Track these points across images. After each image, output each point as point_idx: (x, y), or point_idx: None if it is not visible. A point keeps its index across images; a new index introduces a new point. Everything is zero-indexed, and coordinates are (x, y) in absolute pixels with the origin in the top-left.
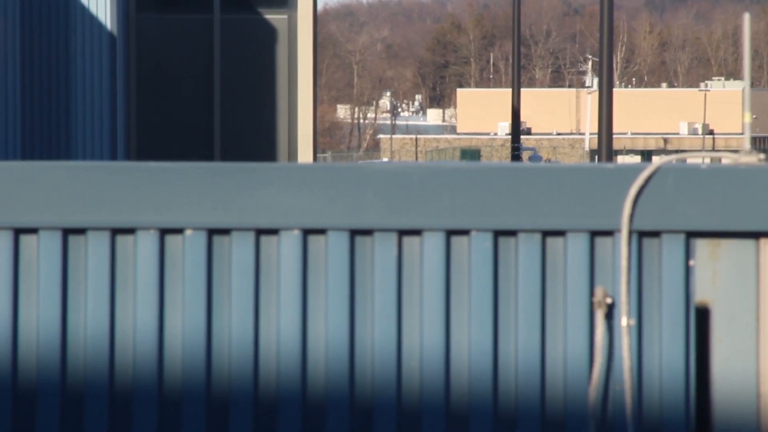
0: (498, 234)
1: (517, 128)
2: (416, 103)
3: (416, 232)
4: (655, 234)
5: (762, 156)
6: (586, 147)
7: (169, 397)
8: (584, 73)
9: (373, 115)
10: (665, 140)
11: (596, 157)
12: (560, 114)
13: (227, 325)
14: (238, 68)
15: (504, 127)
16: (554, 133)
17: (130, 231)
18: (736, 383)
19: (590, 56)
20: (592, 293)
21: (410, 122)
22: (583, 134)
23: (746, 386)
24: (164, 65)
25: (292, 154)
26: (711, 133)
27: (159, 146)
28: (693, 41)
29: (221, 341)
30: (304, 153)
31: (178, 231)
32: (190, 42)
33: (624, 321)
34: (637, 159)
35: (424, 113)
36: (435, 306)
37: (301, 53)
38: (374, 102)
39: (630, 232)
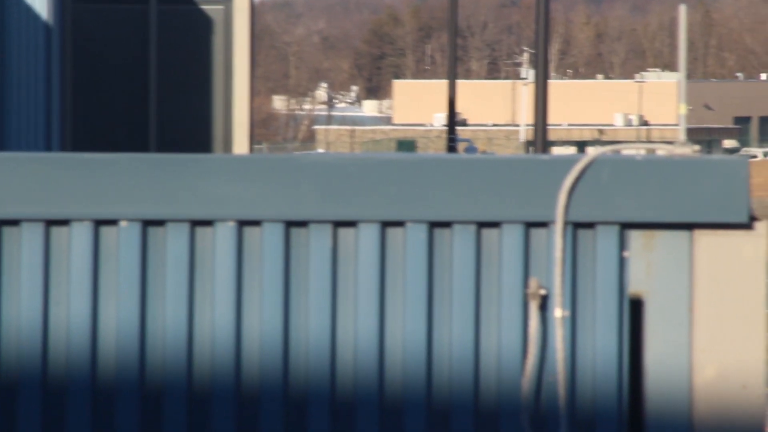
0: (433, 225)
1: (453, 119)
2: (352, 95)
3: (351, 224)
4: (590, 225)
5: (696, 147)
6: (522, 138)
7: (103, 389)
8: (520, 64)
9: (310, 107)
10: (600, 131)
11: (531, 148)
12: (496, 105)
13: (162, 316)
14: (174, 59)
15: (440, 119)
16: (490, 124)
17: (65, 222)
18: (669, 374)
19: (526, 48)
20: (526, 285)
21: (346, 113)
22: (519, 126)
23: (679, 377)
24: (100, 55)
25: (228, 145)
26: (646, 124)
27: (94, 137)
28: (629, 33)
29: (155, 333)
30: (240, 144)
31: (113, 222)
32: (126, 32)
33: (558, 312)
34: (573, 150)
35: (361, 104)
36: (370, 297)
37: (238, 44)
38: (310, 93)
39: (564, 224)
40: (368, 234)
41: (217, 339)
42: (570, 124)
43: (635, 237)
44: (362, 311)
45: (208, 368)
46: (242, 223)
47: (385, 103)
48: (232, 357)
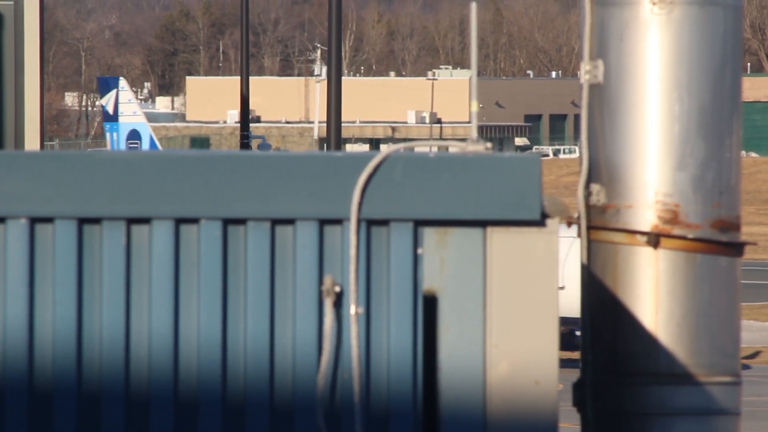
0: (227, 222)
1: (246, 116)
2: (145, 91)
3: (145, 221)
4: (384, 222)
5: (489, 145)
6: (315, 135)
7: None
8: (313, 61)
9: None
10: (393, 129)
11: (325, 145)
12: (289, 102)
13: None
14: None
15: (233, 115)
16: (283, 121)
17: None
18: (462, 370)
19: (319, 45)
20: (321, 282)
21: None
22: (312, 123)
23: (473, 373)
24: None
25: (19, 141)
26: (439, 121)
27: None
28: (421, 30)
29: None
30: (31, 140)
31: None
32: None
33: (352, 309)
34: (366, 147)
35: (153, 101)
36: (164, 295)
37: (28, 40)
38: None
39: (359, 221)
40: (162, 231)
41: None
42: (363, 122)
43: (429, 234)
44: (156, 309)
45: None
46: (34, 221)
47: (179, 99)
48: (24, 352)
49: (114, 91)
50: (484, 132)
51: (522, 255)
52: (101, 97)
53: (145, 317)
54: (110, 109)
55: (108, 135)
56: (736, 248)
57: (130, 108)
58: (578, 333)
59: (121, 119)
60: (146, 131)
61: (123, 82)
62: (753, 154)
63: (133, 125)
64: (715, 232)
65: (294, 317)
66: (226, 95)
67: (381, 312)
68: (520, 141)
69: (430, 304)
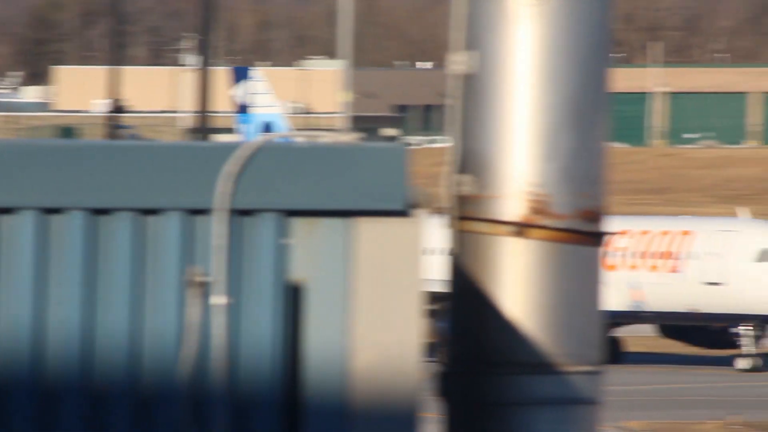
0: (94, 212)
1: (116, 106)
2: (13, 80)
3: (9, 211)
4: (252, 213)
5: (359, 136)
6: (185, 125)
7: None
8: (184, 51)
9: None
10: None
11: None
12: (159, 92)
13: None
14: None
15: (103, 105)
16: (154, 111)
17: None
18: (328, 359)
19: (190, 34)
20: (188, 272)
21: (6, 100)
22: (182, 113)
23: (338, 362)
24: None
25: None
26: (309, 112)
27: None
28: (293, 20)
29: None
30: None
31: None
32: None
33: (219, 299)
34: (236, 138)
35: (21, 91)
36: (29, 284)
37: None
38: None
39: (226, 211)
40: (27, 221)
41: None
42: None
43: (297, 224)
44: (20, 298)
45: None
46: None
47: (48, 89)
48: None
49: None
50: (355, 122)
51: (388, 245)
52: None
53: (10, 307)
54: None
55: None
56: (599, 238)
57: None
58: (733, 330)
59: None
60: None
61: None
62: (620, 145)
63: None
64: (581, 222)
65: (161, 307)
66: (95, 84)
67: (248, 302)
68: (390, 132)
69: (296, 294)
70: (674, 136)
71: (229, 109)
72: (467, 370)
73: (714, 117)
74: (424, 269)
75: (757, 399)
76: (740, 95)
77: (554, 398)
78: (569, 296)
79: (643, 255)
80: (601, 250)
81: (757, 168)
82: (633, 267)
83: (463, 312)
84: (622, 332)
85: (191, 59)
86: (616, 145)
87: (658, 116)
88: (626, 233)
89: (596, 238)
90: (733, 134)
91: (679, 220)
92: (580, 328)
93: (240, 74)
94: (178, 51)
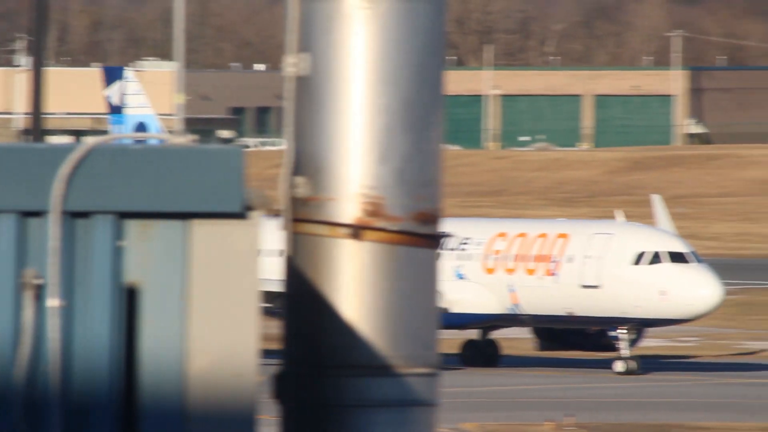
0: None
1: None
2: None
3: None
4: (87, 215)
5: (193, 138)
6: (18, 127)
7: None
8: (16, 51)
9: None
10: (97, 120)
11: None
12: None
13: None
14: None
15: None
16: None
17: None
18: (163, 362)
19: (22, 35)
20: (21, 274)
21: None
22: (15, 114)
23: (173, 365)
24: None
25: None
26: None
27: None
28: (126, 21)
29: None
30: None
31: None
32: None
33: (53, 302)
34: (70, 139)
35: None
36: None
37: None
38: None
39: (60, 213)
40: None
41: None
42: (67, 113)
43: (132, 226)
44: None
45: None
46: None
47: None
48: None
49: None
50: (190, 125)
51: (224, 247)
52: None
53: None
54: None
55: None
56: (434, 240)
57: None
58: (611, 333)
59: None
60: None
61: None
62: (455, 147)
63: None
64: (416, 225)
65: None
66: None
67: (84, 305)
68: (225, 134)
69: (132, 297)
70: (508, 138)
71: (99, 111)
72: (303, 371)
73: (547, 120)
74: (261, 271)
75: (603, 400)
76: (573, 98)
77: (391, 400)
78: (405, 298)
79: (519, 258)
80: (436, 252)
81: (589, 171)
82: (510, 270)
83: (299, 314)
84: (498, 335)
85: (24, 60)
86: (451, 147)
87: (491, 119)
88: (504, 236)
89: (432, 240)
90: (567, 137)
91: (555, 223)
92: (417, 330)
93: (112, 75)
94: (11, 52)
